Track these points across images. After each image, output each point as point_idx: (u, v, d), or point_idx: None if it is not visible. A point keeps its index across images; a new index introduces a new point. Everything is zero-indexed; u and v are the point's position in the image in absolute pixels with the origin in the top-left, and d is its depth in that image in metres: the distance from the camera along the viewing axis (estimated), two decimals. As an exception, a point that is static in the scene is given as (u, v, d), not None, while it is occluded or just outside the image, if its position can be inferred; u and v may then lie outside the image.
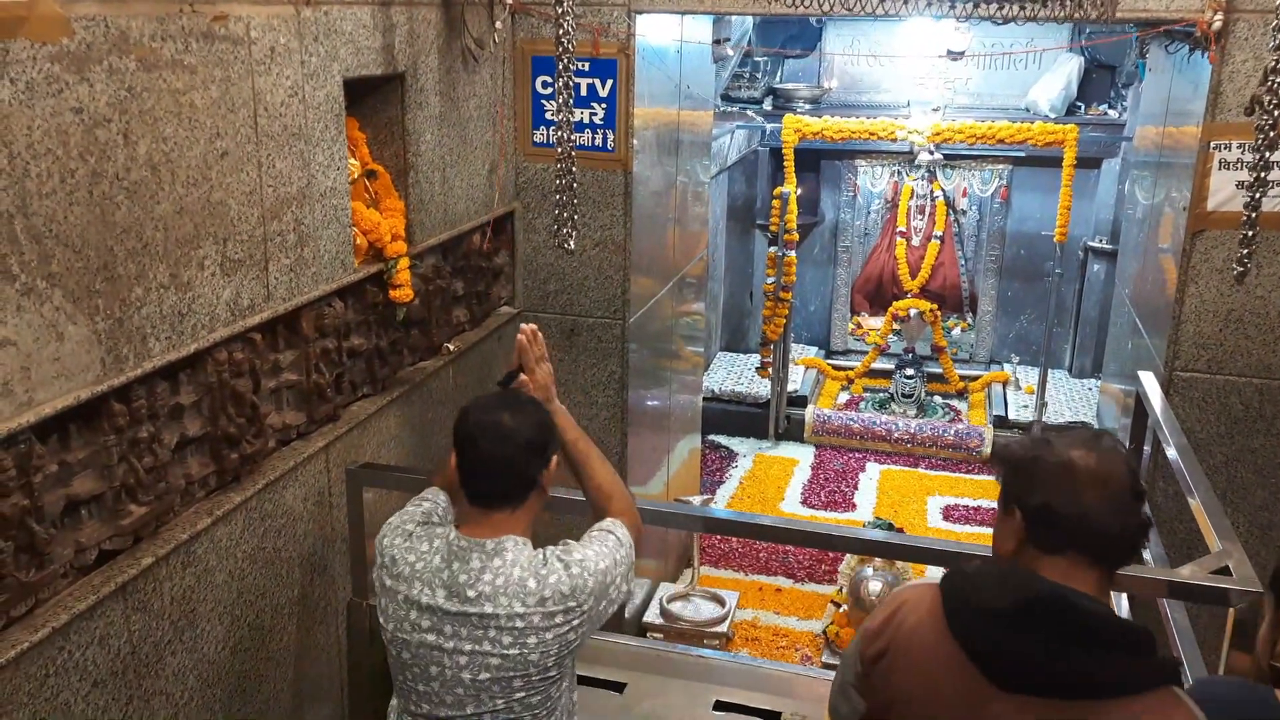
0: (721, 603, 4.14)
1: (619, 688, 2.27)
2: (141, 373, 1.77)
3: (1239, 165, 2.72)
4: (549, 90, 3.25)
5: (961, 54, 5.49)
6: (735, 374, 6.66)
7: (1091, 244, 6.41)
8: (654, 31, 3.45)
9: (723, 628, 4.03)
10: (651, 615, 4.05)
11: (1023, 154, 6.17)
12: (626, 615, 3.79)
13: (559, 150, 2.45)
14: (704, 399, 5.26)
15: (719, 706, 2.19)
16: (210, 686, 2.01)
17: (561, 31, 2.39)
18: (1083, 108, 6.35)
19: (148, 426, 1.81)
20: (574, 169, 2.48)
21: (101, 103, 1.63)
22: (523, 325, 2.02)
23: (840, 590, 4.21)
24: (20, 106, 1.49)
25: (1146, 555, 2.57)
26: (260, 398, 2.14)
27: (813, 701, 2.22)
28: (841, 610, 4.14)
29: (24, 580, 1.57)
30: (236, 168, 1.98)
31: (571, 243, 2.51)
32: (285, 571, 2.24)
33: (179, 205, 1.83)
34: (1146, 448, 2.99)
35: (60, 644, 1.63)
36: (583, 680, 2.11)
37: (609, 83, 3.24)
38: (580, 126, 3.28)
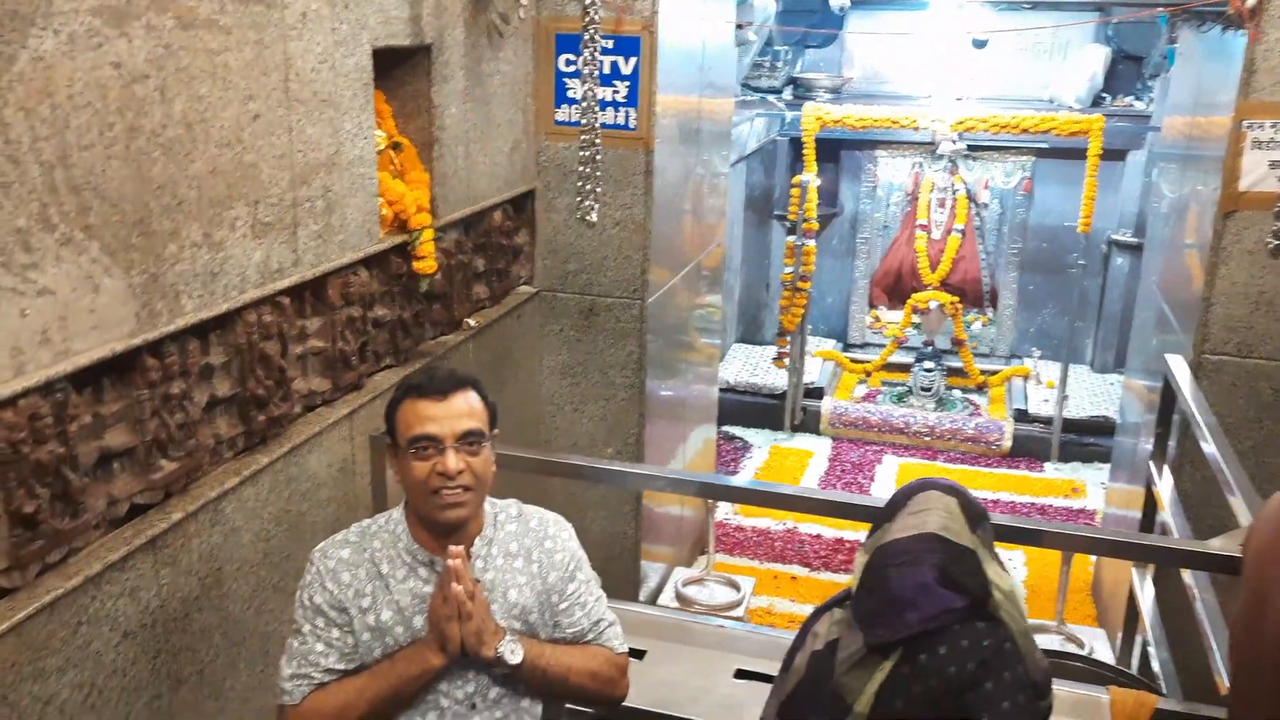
0: (737, 588, 4.12)
1: (639, 655, 2.27)
2: (175, 329, 1.79)
3: (1272, 144, 2.70)
4: (571, 69, 3.26)
5: (985, 43, 5.46)
6: (751, 365, 6.65)
7: (1115, 237, 6.35)
8: (677, 14, 3.44)
9: (738, 612, 4.02)
10: (666, 599, 4.04)
11: (1046, 145, 6.12)
12: (641, 599, 3.79)
13: (584, 121, 2.46)
14: (719, 390, 5.24)
15: (740, 675, 2.19)
16: (235, 646, 2.03)
17: (588, 2, 2.40)
18: (1108, 99, 6.31)
19: (179, 383, 1.83)
20: (598, 141, 2.49)
21: (140, 58, 1.65)
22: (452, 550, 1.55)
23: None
24: (62, 58, 1.50)
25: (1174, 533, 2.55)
26: (287, 362, 2.16)
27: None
28: (858, 597, 4.12)
29: (59, 528, 1.59)
30: (268, 131, 2.00)
31: (594, 214, 2.52)
32: (309, 535, 2.25)
33: (212, 165, 1.85)
34: (1173, 434, 2.97)
35: (92, 593, 1.65)
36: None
37: (632, 60, 3.24)
38: (603, 105, 3.28)
